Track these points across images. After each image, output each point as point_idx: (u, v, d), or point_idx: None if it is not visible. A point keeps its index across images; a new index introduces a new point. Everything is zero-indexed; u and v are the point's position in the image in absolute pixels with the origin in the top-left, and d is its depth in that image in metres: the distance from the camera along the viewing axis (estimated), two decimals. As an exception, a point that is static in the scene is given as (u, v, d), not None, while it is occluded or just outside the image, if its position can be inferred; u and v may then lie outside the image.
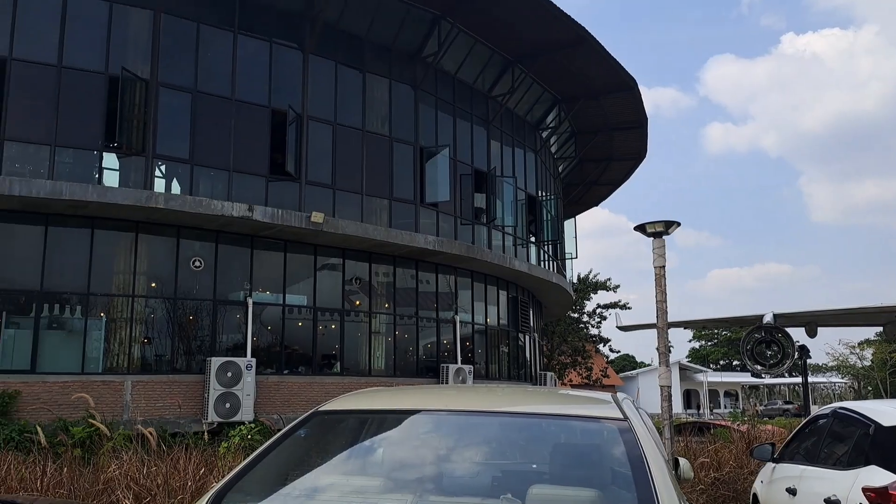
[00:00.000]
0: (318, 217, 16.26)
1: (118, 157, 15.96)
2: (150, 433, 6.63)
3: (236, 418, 15.09)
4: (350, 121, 18.69)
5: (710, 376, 65.62)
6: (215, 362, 15.29)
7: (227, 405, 15.19)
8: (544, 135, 26.54)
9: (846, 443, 5.10)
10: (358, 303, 19.08)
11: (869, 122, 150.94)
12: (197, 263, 16.30)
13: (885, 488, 4.07)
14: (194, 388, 15.47)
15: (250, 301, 16.51)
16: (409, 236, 18.29)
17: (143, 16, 16.16)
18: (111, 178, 15.89)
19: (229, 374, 15.31)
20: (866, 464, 4.46)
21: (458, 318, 20.63)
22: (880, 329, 39.83)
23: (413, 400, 3.56)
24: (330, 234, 16.88)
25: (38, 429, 8.45)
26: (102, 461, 6.62)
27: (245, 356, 15.95)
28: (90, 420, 10.87)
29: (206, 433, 12.13)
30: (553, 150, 28.26)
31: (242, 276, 16.96)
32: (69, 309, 14.98)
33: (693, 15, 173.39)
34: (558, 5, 19.12)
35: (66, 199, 13.91)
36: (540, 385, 25.77)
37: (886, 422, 4.52)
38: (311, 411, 3.22)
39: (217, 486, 2.68)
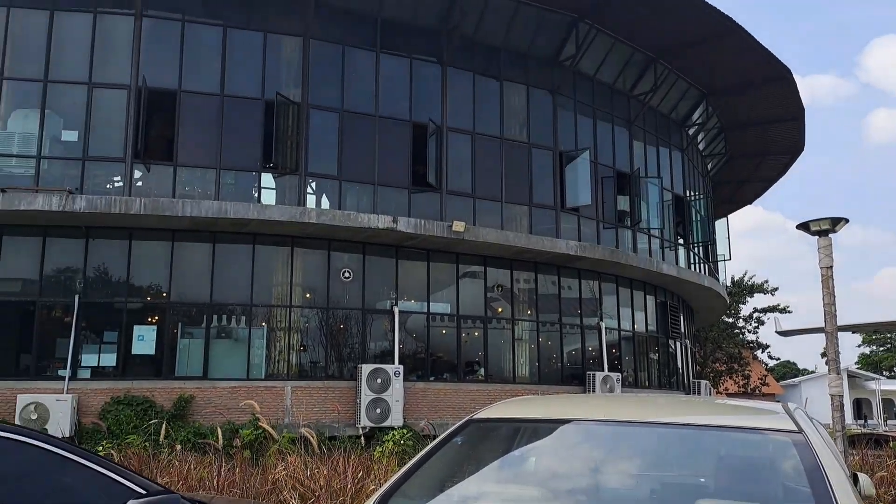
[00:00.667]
0: (459, 226, 16.51)
1: (274, 177, 17.01)
2: (312, 436, 6.99)
3: (387, 423, 15.57)
4: (488, 129, 18.87)
5: (883, 384, 59.88)
6: (365, 369, 15.87)
7: (378, 410, 15.71)
8: (691, 132, 25.45)
9: None
10: (500, 310, 19.15)
11: None
12: (346, 274, 17.03)
13: None
14: (347, 394, 16.14)
15: (396, 310, 17.02)
16: (550, 242, 18.15)
17: (294, 42, 17.17)
18: (268, 197, 16.96)
19: (379, 381, 15.83)
20: None
21: (603, 325, 20.18)
22: None
23: (567, 409, 3.50)
24: (471, 242, 17.09)
25: (219, 431, 9.15)
26: (269, 462, 7.09)
27: (393, 363, 16.44)
28: (258, 424, 11.61)
29: (362, 437, 12.62)
30: (700, 147, 27.03)
31: (388, 285, 17.53)
32: (234, 319, 16.12)
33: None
34: (701, -3, 18.34)
35: (231, 218, 15.01)
36: (693, 394, 24.64)
37: None
38: (465, 419, 3.26)
39: (382, 490, 2.77)
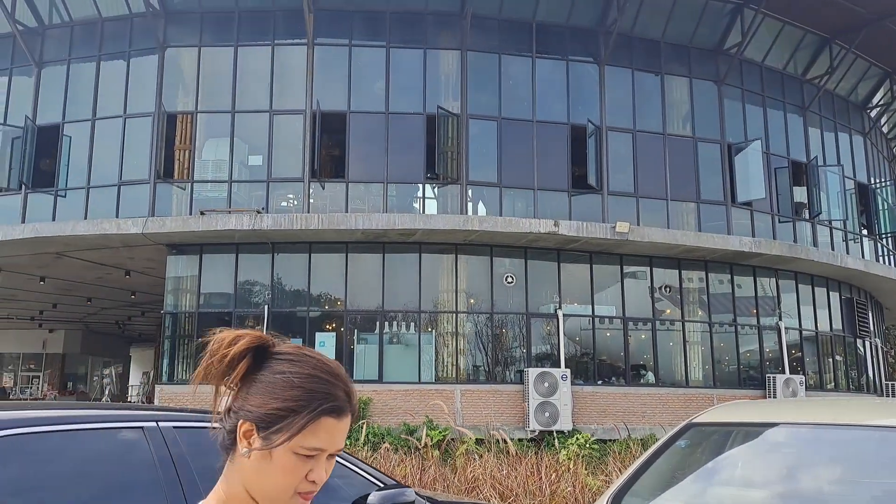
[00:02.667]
0: (622, 227, 16.24)
1: (436, 187, 17.61)
2: (505, 439, 7.24)
3: (556, 427, 15.59)
4: (649, 126, 18.42)
5: None
6: (532, 373, 15.99)
7: (547, 414, 15.78)
8: (873, 114, 23.39)
9: None
10: (668, 311, 18.58)
11: None
12: (509, 279, 17.26)
13: None
14: (514, 398, 16.34)
15: (560, 313, 17.02)
16: (721, 239, 17.38)
17: (452, 56, 17.72)
18: (430, 206, 17.59)
19: (546, 385, 15.90)
20: None
21: (782, 325, 19.00)
22: None
23: (784, 412, 3.44)
24: (635, 242, 16.74)
25: (423, 431, 9.63)
26: (458, 462, 7.42)
27: (558, 367, 16.45)
28: (435, 423, 12.08)
29: (531, 440, 12.77)
30: (885, 129, 24.76)
31: (551, 288, 17.57)
32: (404, 325, 16.84)
33: None
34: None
35: (398, 229, 15.73)
36: (887, 397, 22.55)
37: None
38: (684, 423, 3.30)
39: (613, 489, 2.89)
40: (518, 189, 17.70)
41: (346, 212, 16.45)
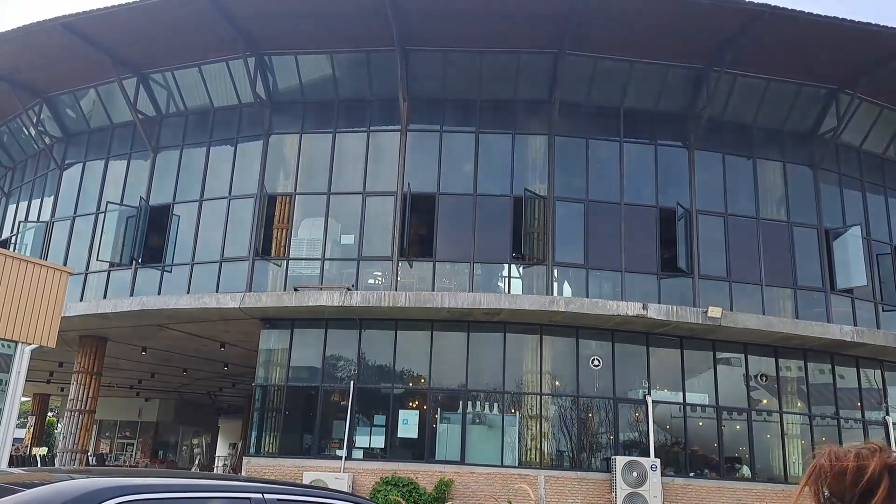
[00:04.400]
0: (715, 311, 15.81)
1: (522, 267, 17.73)
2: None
3: (645, 520, 14.92)
4: (742, 209, 18.11)
5: None
6: (620, 461, 15.46)
7: (636, 506, 15.13)
8: (984, 199, 22.17)
9: None
10: (765, 401, 17.72)
11: None
12: (595, 362, 16.96)
13: None
14: (600, 486, 15.79)
15: (649, 399, 16.52)
16: (820, 327, 16.62)
17: (539, 140, 18.14)
18: (516, 286, 17.68)
19: (634, 475, 15.32)
20: None
21: (889, 419, 17.76)
22: None
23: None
24: (728, 328, 16.21)
25: None
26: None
27: (646, 455, 15.85)
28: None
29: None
30: None
31: (640, 373, 17.13)
32: (487, 405, 16.71)
33: None
34: None
35: (484, 308, 15.85)
36: None
37: None
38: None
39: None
40: (605, 271, 17.59)
41: (433, 290, 16.74)
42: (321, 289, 16.52)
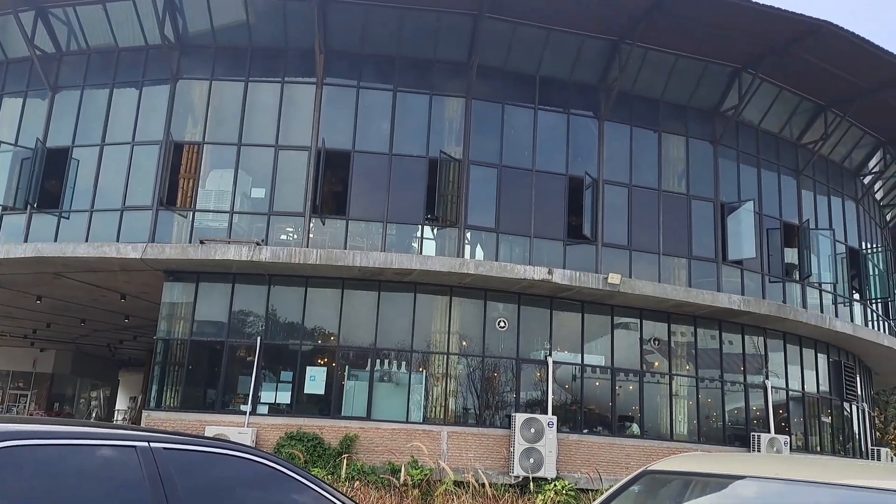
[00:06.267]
0: (614, 278, 16.50)
1: (435, 229, 17.91)
2: (482, 479, 7.35)
3: (539, 474, 15.62)
4: (645, 181, 18.82)
5: None
6: (519, 418, 16.08)
7: (531, 460, 15.82)
8: (866, 181, 23.86)
9: None
10: (657, 364, 18.73)
11: None
12: (501, 324, 17.46)
13: None
14: (499, 442, 16.40)
15: (550, 360, 17.17)
16: (710, 296, 17.64)
17: (456, 102, 18.20)
18: (428, 248, 17.86)
19: (532, 431, 15.97)
20: None
21: (769, 384, 19.13)
22: None
23: (741, 466, 3.63)
24: (626, 294, 16.98)
25: (404, 469, 9.71)
26: (438, 501, 7.52)
27: (545, 413, 16.54)
28: (421, 463, 12.14)
29: (514, 485, 12.80)
30: (878, 197, 25.21)
31: (542, 335, 17.76)
32: (395, 364, 16.97)
33: None
34: (876, 43, 17.45)
35: (395, 268, 15.99)
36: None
37: None
38: (641, 470, 3.49)
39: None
40: (515, 236, 17.99)
41: (345, 248, 16.72)
42: (229, 242, 16.21)
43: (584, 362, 17.91)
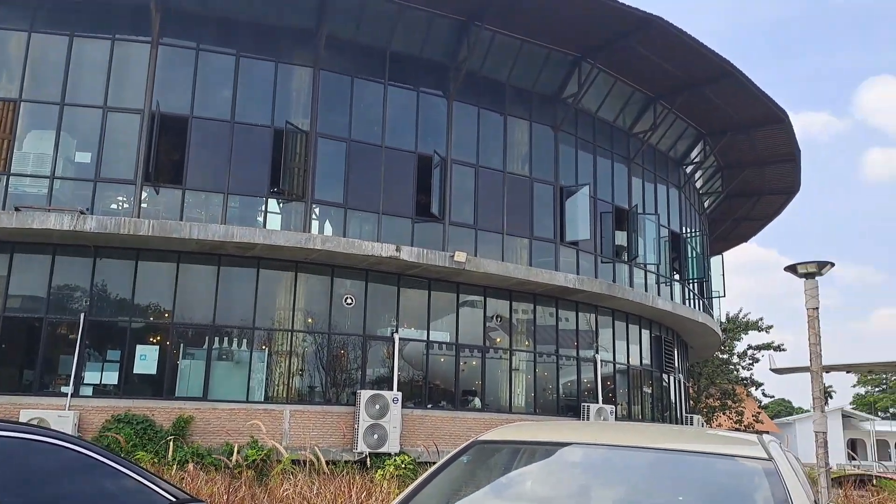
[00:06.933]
0: (460, 256, 16.86)
1: (280, 203, 17.39)
2: (318, 458, 7.26)
3: (383, 449, 15.75)
4: (491, 162, 19.31)
5: (878, 425, 59.78)
6: (364, 395, 16.09)
7: (376, 436, 15.90)
8: (688, 170, 25.94)
9: None
10: (499, 340, 19.43)
11: None
12: (348, 300, 17.33)
13: None
14: (345, 419, 16.33)
15: (396, 337, 17.29)
16: (549, 275, 18.48)
17: (304, 72, 17.67)
18: (274, 222, 17.32)
19: (377, 407, 16.04)
20: None
21: (598, 357, 20.44)
22: None
23: (565, 433, 3.80)
24: (472, 272, 17.41)
25: (235, 448, 9.36)
26: (273, 482, 7.34)
27: (391, 390, 16.67)
28: (260, 444, 11.81)
29: (359, 462, 12.80)
30: (698, 185, 27.51)
31: (389, 312, 17.83)
32: (236, 342, 16.37)
33: (840, 39, 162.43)
34: (701, 40, 18.92)
35: (236, 242, 15.35)
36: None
37: None
38: (470, 441, 3.56)
39: (394, 502, 3.06)
40: (364, 212, 17.85)
41: (182, 220, 15.81)
42: (49, 210, 14.81)
43: (431, 339, 18.19)
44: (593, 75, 19.94)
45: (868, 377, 70.73)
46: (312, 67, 17.58)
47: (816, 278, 7.44)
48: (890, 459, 55.77)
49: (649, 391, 23.12)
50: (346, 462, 13.66)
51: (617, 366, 21.47)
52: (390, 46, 18.30)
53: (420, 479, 3.27)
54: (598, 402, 19.56)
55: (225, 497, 6.44)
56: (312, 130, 17.19)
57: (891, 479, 13.81)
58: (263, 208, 17.24)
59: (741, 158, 25.44)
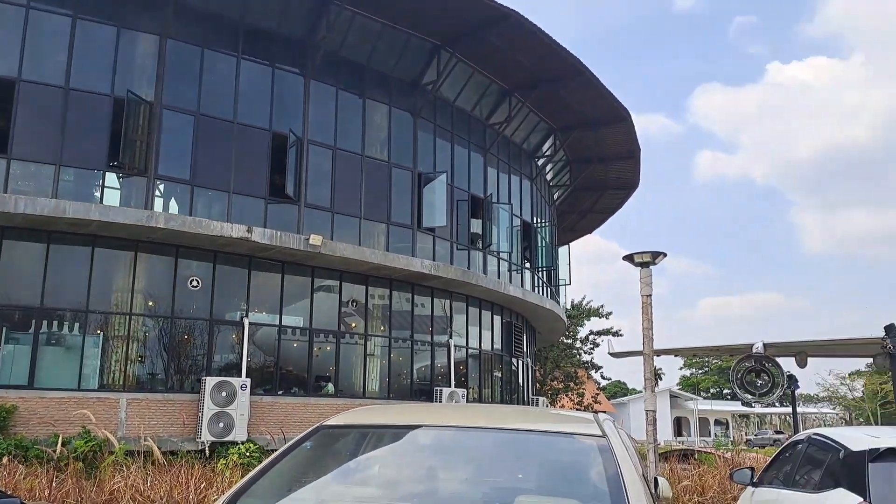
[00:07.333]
0: (316, 239, 16.54)
1: (120, 177, 16.23)
2: (153, 447, 6.84)
3: (230, 438, 15.22)
4: (350, 145, 19.06)
5: (700, 404, 65.65)
6: (210, 382, 15.45)
7: (221, 425, 15.32)
8: (540, 163, 26.97)
9: (819, 467, 5.35)
10: (354, 325, 19.30)
11: (859, 152, 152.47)
12: (194, 283, 16.53)
13: (851, 510, 4.32)
14: (188, 407, 15.61)
15: (246, 321, 16.72)
16: (405, 260, 18.57)
17: (150, 40, 16.56)
18: (112, 198, 16.14)
19: (224, 394, 15.46)
20: (835, 487, 4.71)
21: (452, 342, 20.85)
22: (870, 360, 40.22)
23: (411, 416, 3.81)
24: (327, 256, 17.15)
25: (60, 439, 8.64)
26: (104, 474, 6.82)
27: (240, 376, 16.11)
28: (93, 434, 11.00)
29: (202, 451, 12.28)
30: (548, 177, 28.67)
31: (239, 296, 17.20)
32: (67, 326, 15.16)
33: (679, 45, 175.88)
34: (555, 38, 19.64)
35: (69, 218, 14.17)
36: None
37: (855, 447, 4.76)
38: (315, 426, 3.47)
39: (230, 492, 2.92)
40: (213, 190, 17.05)
41: (5, 192, 14.37)
42: None
43: (283, 324, 17.76)
44: (452, 64, 20.17)
45: (693, 360, 77.32)
46: (159, 35, 16.51)
47: (651, 267, 7.96)
48: (710, 435, 61.38)
49: (499, 375, 23.92)
50: (188, 452, 13.07)
51: (470, 350, 22.01)
52: (245, 18, 17.54)
53: (260, 467, 3.15)
54: (450, 386, 19.96)
55: (47, 492, 5.90)
56: (157, 101, 16.16)
57: (710, 453, 15.18)
58: (101, 183, 16.02)
59: (588, 154, 26.79)
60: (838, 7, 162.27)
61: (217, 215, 16.68)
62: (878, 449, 4.51)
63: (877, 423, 44.31)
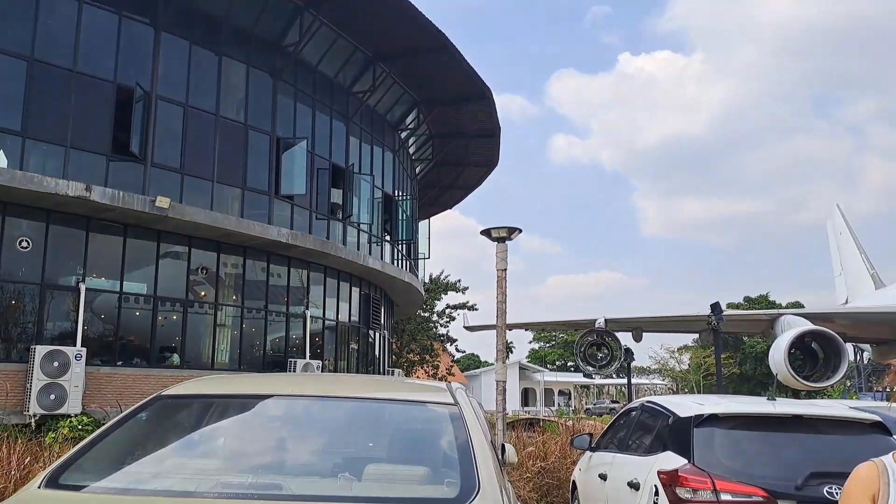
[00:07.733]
0: (163, 202, 15.61)
1: (-65, 123, 14.47)
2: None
3: (62, 410, 14.18)
4: (203, 104, 18.06)
5: (546, 376, 69.27)
6: (40, 351, 14.30)
7: (53, 397, 14.23)
8: (403, 135, 26.94)
9: (650, 432, 5.76)
10: (203, 294, 18.47)
11: (695, 144, 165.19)
12: (24, 244, 15.15)
13: (675, 471, 4.68)
14: (15, 378, 14.34)
15: (83, 287, 15.56)
16: (261, 228, 17.96)
17: (-26, -28, 14.78)
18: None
19: (56, 364, 14.36)
20: (664, 450, 5.09)
21: (308, 314, 20.51)
22: (696, 336, 44.00)
23: (260, 386, 3.68)
24: (176, 220, 16.24)
25: None
26: None
27: (75, 345, 15.01)
28: None
29: (29, 425, 11.35)
30: (411, 151, 28.73)
31: (76, 259, 15.94)
32: None
33: (539, 30, 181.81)
34: (421, 11, 19.57)
35: None
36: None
37: (683, 413, 5.16)
38: (154, 395, 3.26)
39: (56, 463, 2.68)
40: (48, 143, 15.61)
41: None
42: None
43: (125, 290, 16.68)
44: (315, 27, 19.58)
45: (542, 334, 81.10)
46: (-15, -34, 14.76)
47: (506, 243, 8.17)
48: (554, 405, 64.85)
49: (356, 347, 23.86)
50: (14, 426, 12.03)
51: (326, 322, 21.75)
52: (89, -42, 16.06)
53: (89, 439, 2.91)
54: (305, 358, 19.66)
55: None
56: (-18, 42, 14.50)
57: (553, 421, 16.01)
58: None
59: (450, 129, 27.08)
60: (683, 5, 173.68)
61: (52, 171, 15.30)
62: (703, 415, 4.91)
63: (700, 393, 48.62)
